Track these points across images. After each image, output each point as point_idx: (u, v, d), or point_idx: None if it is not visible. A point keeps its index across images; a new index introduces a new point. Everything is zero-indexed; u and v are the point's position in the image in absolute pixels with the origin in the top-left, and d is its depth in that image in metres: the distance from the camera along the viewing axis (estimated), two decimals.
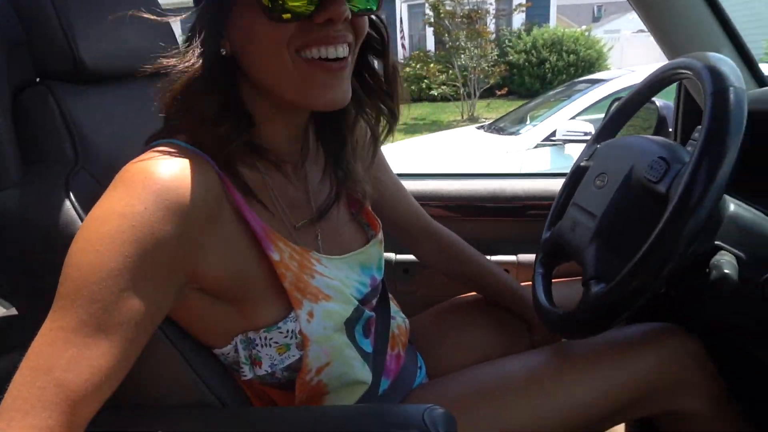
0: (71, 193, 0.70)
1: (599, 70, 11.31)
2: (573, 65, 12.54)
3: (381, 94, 0.76)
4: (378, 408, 0.77)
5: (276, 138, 0.72)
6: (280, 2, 0.58)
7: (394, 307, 0.97)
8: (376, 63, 0.77)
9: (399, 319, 0.96)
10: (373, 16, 0.70)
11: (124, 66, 0.86)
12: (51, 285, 0.57)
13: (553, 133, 4.10)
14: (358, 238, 0.86)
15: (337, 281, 0.73)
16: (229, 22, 0.63)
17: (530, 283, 1.01)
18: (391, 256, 1.40)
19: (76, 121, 0.78)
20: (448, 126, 9.50)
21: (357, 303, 0.75)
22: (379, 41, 0.74)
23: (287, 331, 0.68)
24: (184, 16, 0.71)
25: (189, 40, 0.64)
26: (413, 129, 9.65)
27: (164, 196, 0.57)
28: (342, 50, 0.64)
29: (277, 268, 0.66)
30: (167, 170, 0.58)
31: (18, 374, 0.52)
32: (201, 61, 0.61)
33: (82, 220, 0.68)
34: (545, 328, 0.99)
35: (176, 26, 0.96)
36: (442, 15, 10.77)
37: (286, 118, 0.72)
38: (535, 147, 4.16)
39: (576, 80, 6.02)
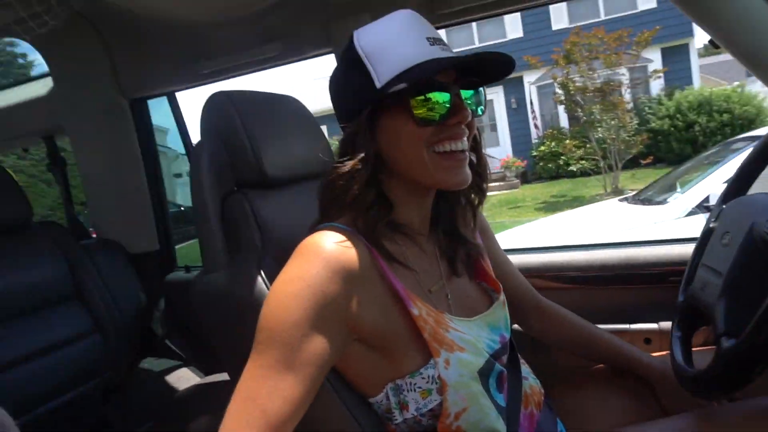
0: (262, 272, 0.92)
1: (760, 127, 10.30)
2: (728, 125, 11.55)
3: (475, 176, 0.91)
4: None
5: (410, 216, 0.89)
6: (425, 111, 0.78)
7: (525, 368, 1.03)
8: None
9: (531, 380, 1.02)
10: None
11: (295, 171, 1.12)
12: (248, 341, 0.76)
13: (707, 199, 3.83)
14: (484, 300, 0.97)
15: (469, 336, 0.84)
16: (379, 128, 0.82)
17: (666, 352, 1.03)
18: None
19: (263, 217, 1.02)
20: (591, 200, 9.18)
21: (488, 356, 0.85)
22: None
23: (428, 377, 0.79)
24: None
25: (346, 145, 0.83)
26: (553, 207, 9.48)
27: (330, 262, 0.75)
28: (462, 144, 0.82)
29: (417, 321, 0.80)
30: (330, 243, 0.77)
31: (232, 403, 0.71)
32: (362, 162, 0.81)
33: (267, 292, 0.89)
34: (673, 392, 0.99)
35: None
36: (572, 91, 10.76)
37: (417, 199, 0.89)
38: (687, 215, 3.89)
39: (732, 139, 5.58)
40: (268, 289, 0.90)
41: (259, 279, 0.92)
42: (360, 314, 0.77)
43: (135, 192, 2.02)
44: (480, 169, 0.92)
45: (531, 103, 14.36)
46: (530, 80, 14.13)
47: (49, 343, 1.63)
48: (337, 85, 0.88)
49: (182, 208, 2.98)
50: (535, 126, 14.34)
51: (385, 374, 0.82)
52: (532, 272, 1.44)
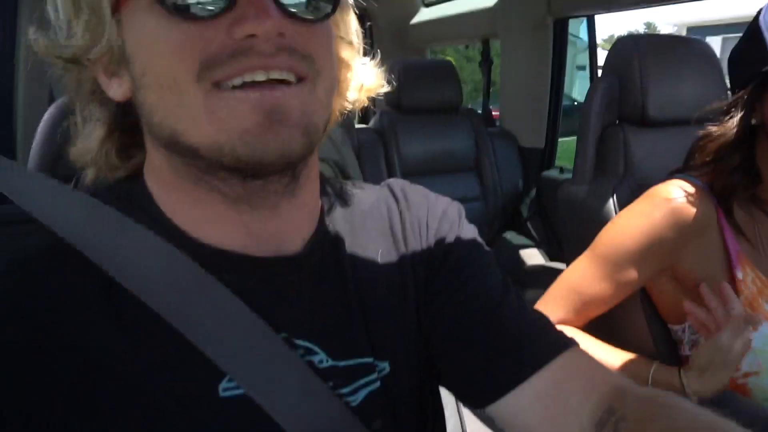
0: (615, 195, 1.17)
1: None
2: None
3: None
4: None
5: None
6: None
7: None
8: None
9: None
10: None
11: (677, 114, 1.26)
12: (587, 244, 1.04)
13: None
14: None
15: None
16: (760, 102, 0.87)
17: None
18: None
19: (633, 152, 1.24)
20: None
21: None
22: None
23: None
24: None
25: (729, 108, 0.91)
26: None
27: (674, 212, 0.88)
28: None
29: (738, 284, 0.90)
30: (680, 195, 0.89)
31: (555, 285, 0.99)
32: (737, 129, 0.88)
33: (615, 212, 1.13)
34: None
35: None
36: None
37: None
38: None
39: None
40: (615, 210, 1.15)
41: (611, 201, 1.17)
42: (685, 260, 0.92)
43: (538, 98, 2.40)
44: None
45: None
46: None
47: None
48: (732, 56, 0.96)
49: (575, 103, 3.25)
50: None
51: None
52: None
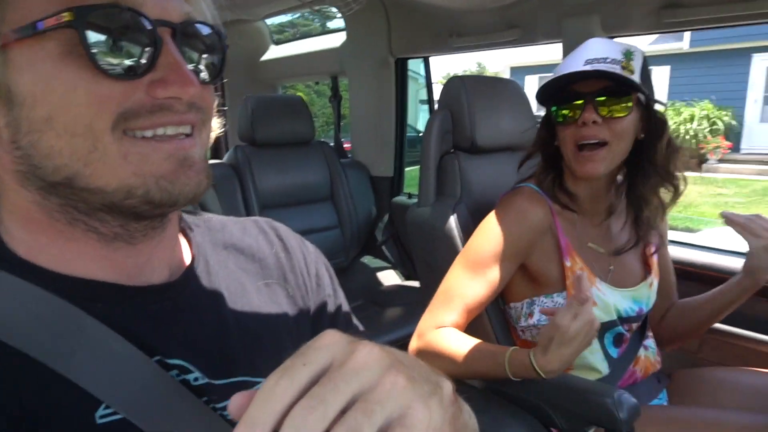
0: (455, 214, 1.33)
1: None
2: None
3: (662, 171, 1.09)
4: (593, 382, 1.09)
5: (577, 189, 1.13)
6: (562, 114, 1.06)
7: (651, 342, 1.25)
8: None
9: (650, 351, 1.23)
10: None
11: (500, 143, 1.48)
12: (439, 264, 1.17)
13: None
14: (638, 277, 1.20)
15: (606, 298, 1.10)
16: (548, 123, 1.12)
17: None
18: None
19: (466, 175, 1.42)
20: None
21: (615, 318, 1.11)
22: (655, 132, 1.08)
23: (556, 302, 1.11)
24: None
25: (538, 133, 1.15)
26: None
27: (522, 213, 1.09)
28: (595, 139, 1.04)
29: (566, 270, 1.10)
30: (525, 200, 1.10)
31: (439, 292, 1.11)
32: (545, 147, 1.12)
33: (456, 230, 1.30)
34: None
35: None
36: None
37: (584, 184, 1.12)
38: None
39: None
40: (456, 227, 1.31)
41: (452, 219, 1.33)
42: (531, 253, 1.11)
43: (384, 130, 2.59)
44: (655, 159, 1.08)
45: None
46: None
47: (305, 228, 2.31)
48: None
49: (420, 134, 3.50)
50: None
51: (527, 292, 1.16)
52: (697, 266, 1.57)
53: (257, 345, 0.55)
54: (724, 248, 1.58)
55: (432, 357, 1.06)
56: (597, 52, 1.04)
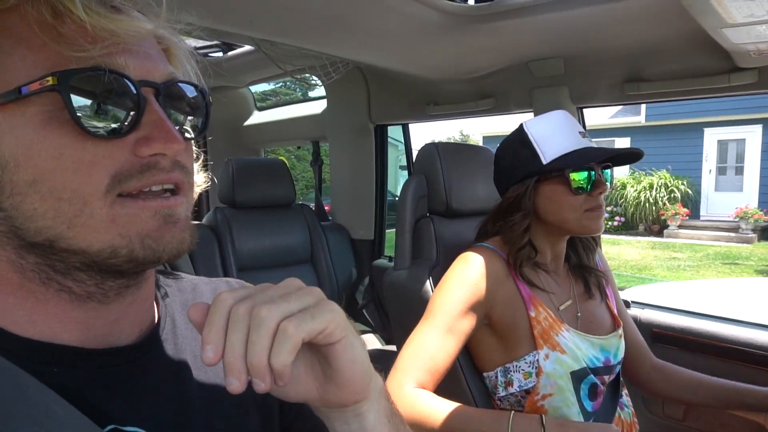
0: (431, 278, 1.34)
1: None
2: None
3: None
4: None
5: (546, 256, 1.20)
6: (580, 183, 1.11)
7: (627, 401, 1.24)
8: None
9: (625, 412, 1.22)
10: None
11: (474, 207, 1.51)
12: (410, 322, 1.17)
13: None
14: (607, 327, 1.22)
15: (573, 346, 1.11)
16: (537, 192, 1.15)
17: None
18: None
19: (442, 238, 1.44)
20: None
21: (585, 366, 1.11)
22: None
23: (530, 363, 1.10)
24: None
25: (510, 202, 1.18)
26: None
27: (479, 262, 1.12)
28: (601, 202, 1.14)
29: (531, 321, 1.11)
30: (482, 257, 1.13)
31: (404, 349, 1.09)
32: (524, 217, 1.15)
33: (431, 292, 1.30)
34: None
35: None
36: None
37: (552, 240, 1.20)
38: None
39: None
40: (432, 288, 1.31)
41: (428, 282, 1.34)
42: (494, 306, 1.13)
43: (365, 195, 2.63)
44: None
45: None
46: None
47: None
48: (506, 159, 1.23)
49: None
50: None
51: (499, 357, 1.16)
52: (676, 330, 1.58)
53: (219, 413, 0.53)
54: (701, 312, 1.60)
55: (412, 425, 1.03)
56: (578, 125, 1.16)
